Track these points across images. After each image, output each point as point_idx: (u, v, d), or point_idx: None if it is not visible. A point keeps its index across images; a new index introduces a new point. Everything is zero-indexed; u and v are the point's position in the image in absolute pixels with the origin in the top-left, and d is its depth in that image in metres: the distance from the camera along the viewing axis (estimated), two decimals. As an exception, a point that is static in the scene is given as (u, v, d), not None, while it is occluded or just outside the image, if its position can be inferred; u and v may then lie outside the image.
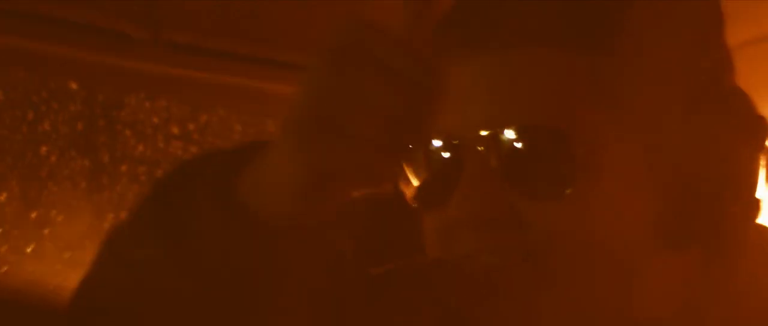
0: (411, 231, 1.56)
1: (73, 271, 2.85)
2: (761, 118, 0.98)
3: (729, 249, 0.96)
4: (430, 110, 0.74)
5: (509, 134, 0.87)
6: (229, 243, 0.78)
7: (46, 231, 3.03)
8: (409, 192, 1.57)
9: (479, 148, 0.87)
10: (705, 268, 0.95)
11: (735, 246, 0.96)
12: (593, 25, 0.88)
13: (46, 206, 2.99)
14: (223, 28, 2.71)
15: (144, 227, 0.81)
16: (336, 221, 0.84)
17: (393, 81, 0.69)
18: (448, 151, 0.89)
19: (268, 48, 2.68)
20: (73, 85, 2.89)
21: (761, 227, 1.05)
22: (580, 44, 0.88)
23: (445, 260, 0.97)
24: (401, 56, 0.71)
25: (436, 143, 0.93)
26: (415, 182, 1.26)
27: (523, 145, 0.86)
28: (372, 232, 1.80)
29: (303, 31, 2.57)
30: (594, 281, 0.89)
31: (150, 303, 0.81)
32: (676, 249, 0.91)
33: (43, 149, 3.15)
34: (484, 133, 0.88)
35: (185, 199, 0.78)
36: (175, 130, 2.87)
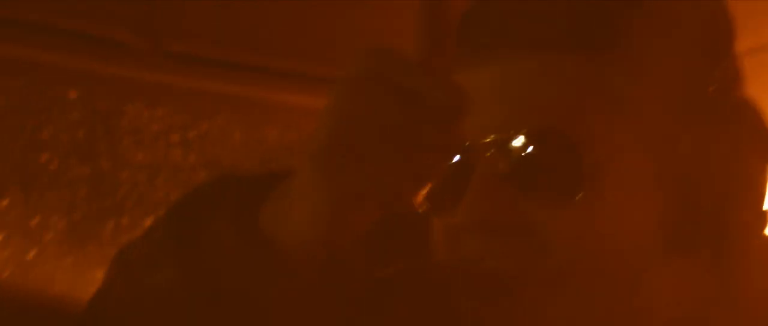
0: (419, 234, 1.57)
1: (75, 277, 2.85)
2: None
3: (735, 257, 0.97)
4: (453, 132, 0.74)
5: (519, 139, 0.88)
6: (250, 272, 0.77)
7: (47, 237, 3.02)
8: (418, 196, 1.56)
9: (488, 153, 0.88)
10: (712, 275, 0.96)
11: (742, 254, 0.97)
12: (602, 30, 0.89)
13: (47, 212, 2.99)
14: (222, 37, 2.72)
15: (161, 251, 0.81)
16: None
17: (414, 106, 0.69)
18: (458, 156, 0.90)
19: (268, 57, 2.68)
20: (73, 94, 2.89)
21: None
22: (589, 49, 0.89)
23: (452, 263, 0.98)
24: (421, 80, 0.72)
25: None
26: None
27: (532, 151, 0.87)
28: (380, 235, 1.81)
29: (303, 41, 2.58)
30: (601, 286, 0.89)
31: None
32: (683, 255, 0.92)
33: (44, 157, 3.16)
34: (492, 137, 0.88)
35: (205, 225, 0.78)
36: (175, 138, 2.87)
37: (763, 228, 0.99)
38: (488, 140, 0.89)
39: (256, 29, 2.70)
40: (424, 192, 0.96)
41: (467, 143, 0.92)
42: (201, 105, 2.80)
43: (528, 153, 0.90)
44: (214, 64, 2.69)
